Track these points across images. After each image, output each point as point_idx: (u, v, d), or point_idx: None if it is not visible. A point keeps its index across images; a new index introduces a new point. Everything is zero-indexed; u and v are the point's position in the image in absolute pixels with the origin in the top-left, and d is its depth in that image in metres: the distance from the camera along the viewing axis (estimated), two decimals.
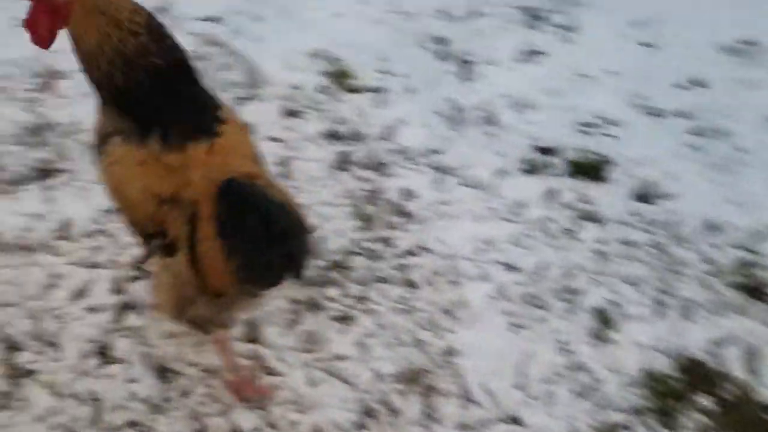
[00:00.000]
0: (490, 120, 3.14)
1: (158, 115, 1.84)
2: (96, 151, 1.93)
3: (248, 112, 2.96)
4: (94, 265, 2.49)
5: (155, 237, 1.90)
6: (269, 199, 1.78)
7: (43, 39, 1.84)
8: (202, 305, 1.97)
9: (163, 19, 2.89)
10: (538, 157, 3.01)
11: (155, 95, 1.84)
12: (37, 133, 2.72)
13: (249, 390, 2.25)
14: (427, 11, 3.57)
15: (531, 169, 2.95)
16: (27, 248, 2.46)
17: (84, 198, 2.60)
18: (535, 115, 3.16)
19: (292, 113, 3.02)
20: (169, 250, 1.89)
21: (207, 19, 3.26)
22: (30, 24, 1.84)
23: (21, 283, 2.39)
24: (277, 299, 2.47)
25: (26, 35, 1.85)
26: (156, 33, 1.86)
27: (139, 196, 1.87)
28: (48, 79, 2.87)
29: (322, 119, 3.05)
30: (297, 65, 3.18)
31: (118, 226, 2.56)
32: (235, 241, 1.77)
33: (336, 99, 3.13)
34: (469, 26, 3.55)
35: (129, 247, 2.54)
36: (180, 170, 1.83)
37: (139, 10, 1.85)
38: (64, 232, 2.53)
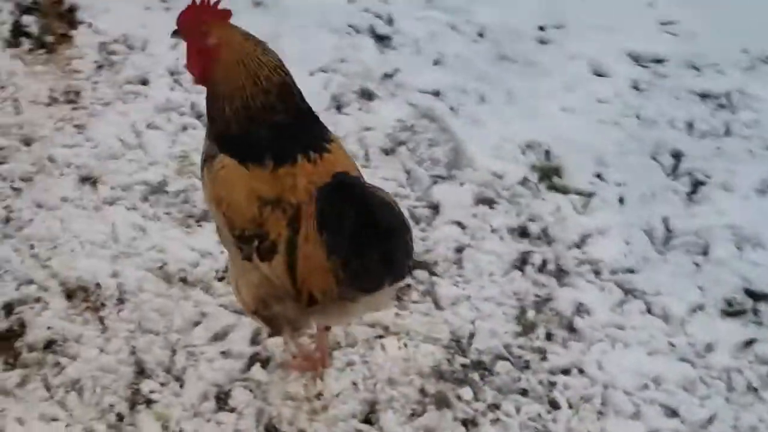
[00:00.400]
0: (702, 250, 3.12)
1: (265, 151, 2.20)
2: (202, 168, 2.36)
3: (441, 192, 3.25)
4: (240, 312, 2.88)
5: (253, 240, 2.22)
6: (376, 195, 2.05)
7: (198, 77, 2.29)
8: (289, 307, 2.27)
9: (377, 84, 3.33)
10: (746, 302, 2.94)
11: (267, 141, 2.21)
12: None
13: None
14: (669, 120, 3.63)
15: (733, 312, 2.90)
16: (186, 282, 2.92)
17: None
18: (758, 256, 3.09)
19: (485, 201, 3.23)
20: (267, 252, 2.20)
21: (429, 91, 3.62)
22: (188, 65, 2.30)
23: (169, 314, 2.82)
24: (405, 386, 2.66)
25: None
26: (286, 93, 2.25)
27: (242, 197, 2.22)
28: None
29: (514, 213, 3.22)
30: (506, 153, 3.39)
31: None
32: (337, 236, 2.02)
33: (536, 195, 3.29)
34: (712, 144, 3.54)
35: None
36: (285, 177, 2.18)
37: (280, 69, 2.26)
38: (224, 273, 2.96)
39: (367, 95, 3.58)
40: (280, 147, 2.20)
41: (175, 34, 2.33)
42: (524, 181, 3.34)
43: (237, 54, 2.22)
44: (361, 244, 2.01)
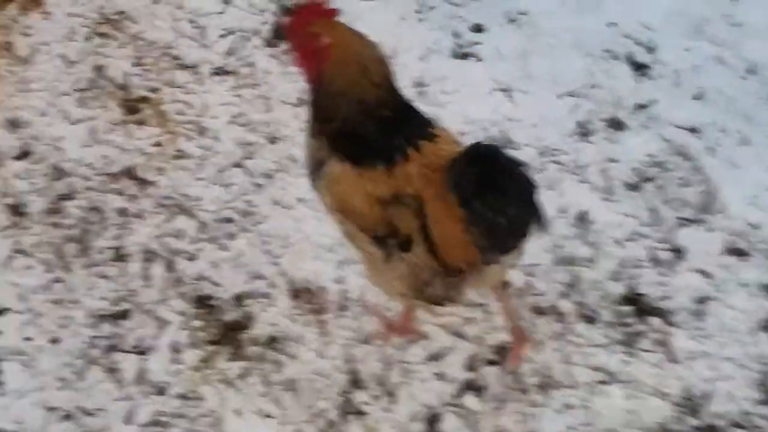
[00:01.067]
0: None
1: (377, 149, 2.27)
2: (312, 176, 2.42)
3: (687, 236, 3.02)
4: (460, 335, 2.80)
5: (388, 238, 2.30)
6: (510, 158, 2.13)
7: (313, 78, 2.32)
8: (438, 286, 2.36)
9: (629, 114, 3.18)
10: None
11: (378, 137, 2.27)
12: None
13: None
14: None
15: None
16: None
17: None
18: None
19: (735, 252, 2.97)
20: (404, 245, 2.29)
21: (685, 127, 3.37)
22: (301, 65, 2.36)
23: None
24: None
25: None
26: (392, 86, 2.31)
27: (364, 204, 2.29)
28: (500, 145, 3.31)
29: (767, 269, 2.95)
30: (764, 203, 3.09)
31: (498, 305, 2.85)
32: (475, 206, 2.12)
33: None
34: None
35: (500, 330, 2.81)
36: (397, 171, 2.25)
37: (385, 61, 2.30)
38: None
39: (616, 125, 3.39)
40: (390, 143, 2.27)
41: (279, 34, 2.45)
42: None
43: (349, 51, 2.26)
44: (492, 209, 2.12)
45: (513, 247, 2.28)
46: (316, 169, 2.38)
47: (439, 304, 2.48)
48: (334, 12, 2.35)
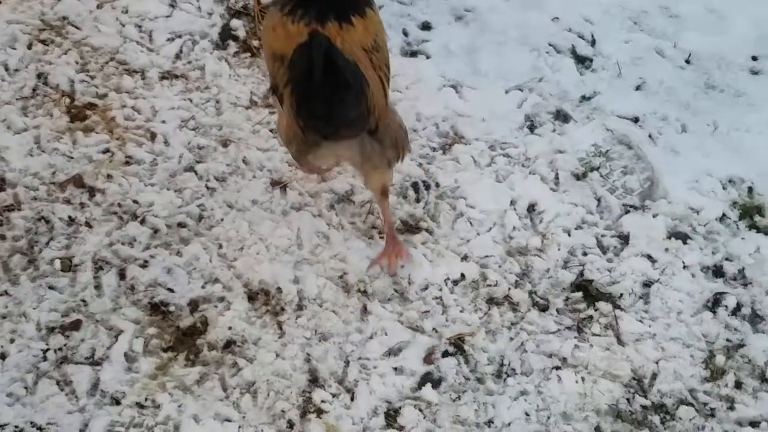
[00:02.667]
0: None
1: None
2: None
3: (631, 222, 3.10)
4: (418, 329, 2.84)
5: (275, 89, 2.66)
6: (338, 57, 2.32)
7: None
8: (295, 145, 2.73)
9: (574, 106, 3.21)
10: None
11: None
12: (417, 189, 3.20)
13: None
14: None
15: None
16: (365, 294, 2.90)
17: (436, 263, 2.98)
18: None
19: (678, 236, 3.06)
20: (280, 98, 2.62)
21: (628, 117, 3.45)
22: None
23: (346, 325, 2.84)
24: (579, 422, 2.54)
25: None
26: None
27: (268, 50, 2.70)
28: (450, 141, 3.35)
29: (709, 251, 3.04)
30: (705, 187, 3.20)
31: (454, 297, 2.90)
32: (295, 85, 2.41)
33: (735, 234, 3.09)
34: None
35: (457, 321, 2.85)
36: (298, 36, 2.48)
37: None
38: (401, 287, 2.93)
39: (562, 117, 3.46)
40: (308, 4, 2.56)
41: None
42: (723, 218, 3.16)
43: None
44: (306, 95, 2.42)
45: (326, 135, 2.56)
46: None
47: (300, 164, 2.96)
48: None
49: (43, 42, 3.57)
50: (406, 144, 2.84)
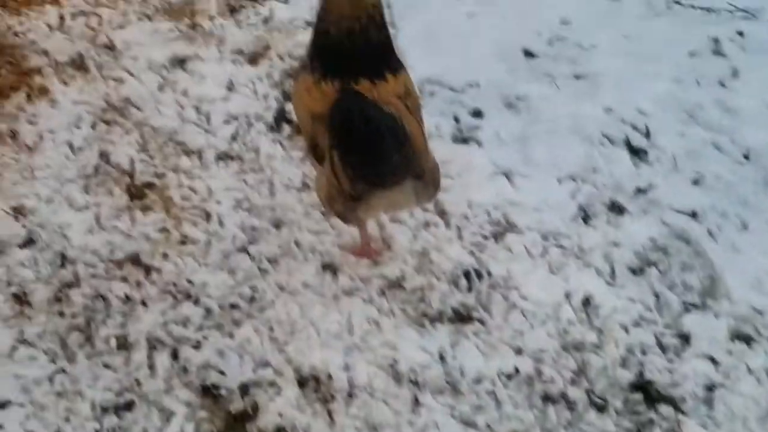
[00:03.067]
0: None
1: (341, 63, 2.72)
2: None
3: (692, 321, 3.03)
4: (470, 424, 2.76)
5: (315, 148, 2.79)
6: (373, 107, 2.51)
7: None
8: (339, 203, 2.80)
9: (629, 198, 3.20)
10: None
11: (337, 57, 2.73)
12: (469, 278, 3.17)
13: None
14: None
15: None
16: (416, 384, 2.85)
17: (489, 355, 2.93)
18: None
19: (741, 337, 2.97)
20: (320, 157, 2.75)
21: (685, 212, 3.40)
22: None
23: (397, 415, 2.78)
24: None
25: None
26: (375, 20, 2.72)
27: (303, 109, 2.83)
28: (502, 230, 3.33)
29: None
30: (767, 288, 3.12)
31: (508, 392, 2.84)
32: (342, 145, 2.57)
33: None
34: None
35: (512, 418, 2.78)
36: (329, 93, 2.68)
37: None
38: (453, 378, 2.88)
39: (617, 209, 3.42)
40: (341, 68, 2.72)
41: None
42: None
43: None
44: (350, 149, 2.57)
45: (376, 183, 2.67)
46: (295, 73, 3.03)
47: (344, 220, 2.98)
48: None
49: (106, 122, 3.68)
50: (440, 180, 2.96)
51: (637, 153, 3.67)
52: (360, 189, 2.68)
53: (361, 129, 2.49)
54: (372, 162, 2.58)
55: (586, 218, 3.40)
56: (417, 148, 2.68)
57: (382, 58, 2.80)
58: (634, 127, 3.77)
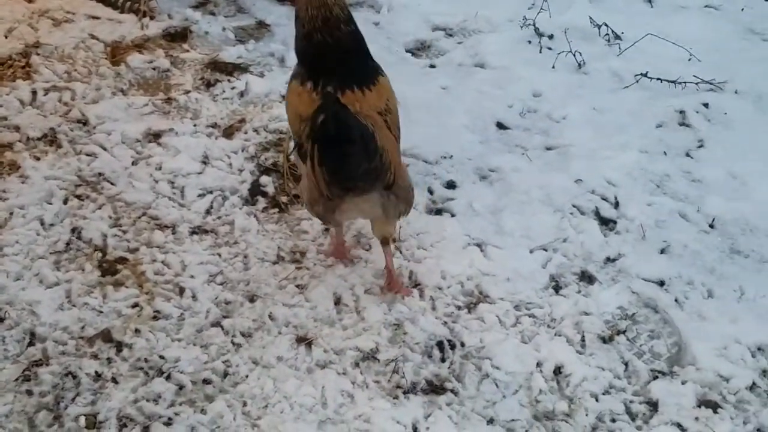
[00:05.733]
0: None
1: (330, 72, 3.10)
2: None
3: (660, 388, 3.15)
4: None
5: (299, 147, 3.12)
6: (350, 116, 2.80)
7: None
8: (320, 205, 3.13)
9: (599, 268, 3.56)
10: None
11: (321, 64, 3.11)
12: (442, 348, 3.29)
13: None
14: None
15: None
16: None
17: (461, 426, 3.01)
18: None
19: (708, 404, 3.09)
20: (303, 157, 3.03)
21: (653, 280, 3.55)
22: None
23: None
24: None
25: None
26: (332, 25, 3.09)
27: (293, 112, 3.17)
28: (475, 300, 3.47)
29: (740, 421, 3.05)
30: (733, 355, 3.24)
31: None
32: (319, 148, 2.84)
33: (765, 404, 3.10)
34: None
35: None
36: (316, 97, 3.06)
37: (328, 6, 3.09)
38: None
39: (587, 278, 3.59)
40: (327, 73, 3.10)
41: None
42: (753, 387, 3.18)
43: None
44: (327, 154, 2.86)
45: (348, 188, 3.00)
46: (289, 80, 3.28)
47: (324, 221, 3.34)
48: None
49: (78, 197, 3.80)
50: (412, 201, 3.31)
51: (606, 223, 3.85)
52: (334, 192, 3.00)
53: (336, 136, 2.79)
54: (342, 168, 2.90)
55: (557, 288, 3.55)
56: (389, 163, 3.01)
57: (358, 57, 3.22)
58: (604, 198, 3.96)
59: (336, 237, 3.59)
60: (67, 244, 3.59)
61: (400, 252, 3.65)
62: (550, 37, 5.20)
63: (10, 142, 4.07)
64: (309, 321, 3.36)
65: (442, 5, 5.50)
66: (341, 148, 2.82)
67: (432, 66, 5.00)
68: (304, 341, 3.28)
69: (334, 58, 3.12)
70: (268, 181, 3.94)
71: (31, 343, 3.20)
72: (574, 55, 4.93)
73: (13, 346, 3.19)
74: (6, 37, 4.78)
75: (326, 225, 3.47)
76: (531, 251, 3.70)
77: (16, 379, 3.08)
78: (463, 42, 5.22)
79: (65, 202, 3.77)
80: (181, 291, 3.44)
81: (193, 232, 3.70)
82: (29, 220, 3.68)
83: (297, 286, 3.48)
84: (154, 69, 4.69)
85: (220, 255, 3.61)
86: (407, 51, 5.13)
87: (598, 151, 4.23)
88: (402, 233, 3.72)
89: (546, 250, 3.70)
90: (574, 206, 3.92)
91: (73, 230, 3.64)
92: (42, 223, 3.66)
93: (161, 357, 3.19)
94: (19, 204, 3.74)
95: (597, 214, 3.89)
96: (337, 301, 3.45)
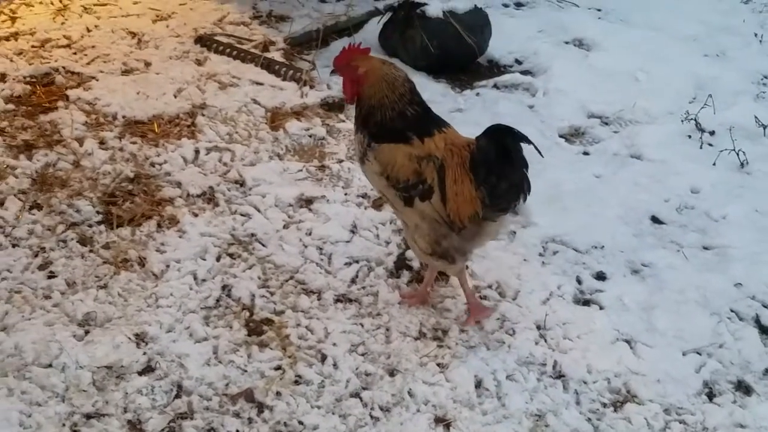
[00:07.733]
0: None
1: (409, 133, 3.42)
2: (361, 160, 3.52)
3: None
4: None
5: (416, 186, 3.37)
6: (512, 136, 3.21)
7: (350, 98, 3.55)
8: (451, 239, 3.42)
9: (757, 379, 3.38)
10: None
11: (409, 127, 3.41)
12: None
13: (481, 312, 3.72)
14: None
15: None
16: None
17: None
18: None
19: None
20: (427, 193, 3.36)
21: None
22: (344, 90, 3.60)
23: None
24: None
25: None
26: (414, 94, 3.45)
27: (404, 158, 3.37)
28: (622, 399, 3.38)
29: None
30: None
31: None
32: (485, 170, 3.29)
33: None
34: None
35: None
36: (428, 143, 3.38)
37: (407, 80, 3.45)
38: None
39: (744, 388, 3.44)
40: (419, 128, 3.41)
41: (332, 73, 3.55)
42: None
43: (380, 75, 3.42)
44: (502, 175, 3.29)
45: (507, 207, 3.40)
46: (363, 155, 3.48)
47: (453, 260, 3.51)
48: (367, 50, 3.53)
49: (231, 255, 3.92)
50: None
51: (766, 332, 3.70)
52: (488, 215, 3.37)
53: (517, 153, 3.24)
54: (521, 184, 3.33)
55: (710, 395, 3.42)
56: None
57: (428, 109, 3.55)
58: (765, 306, 3.81)
59: (429, 280, 3.79)
60: (217, 300, 3.69)
61: (545, 340, 3.60)
62: (712, 133, 5.11)
63: (171, 197, 4.24)
64: (448, 401, 3.33)
65: (599, 93, 5.50)
66: (521, 164, 3.28)
67: (586, 153, 4.99)
68: (443, 422, 3.25)
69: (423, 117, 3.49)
70: (413, 255, 3.97)
71: (177, 395, 3.27)
72: (737, 154, 4.82)
73: (161, 396, 3.27)
74: (175, 97, 5.03)
75: (448, 264, 3.55)
76: (684, 353, 3.58)
77: (162, 430, 3.15)
78: (620, 131, 5.20)
79: (218, 259, 3.89)
80: (323, 358, 3.47)
81: (337, 300, 3.75)
82: (184, 274, 3.80)
83: (438, 365, 3.46)
84: (310, 136, 4.84)
85: (362, 325, 3.64)
86: (560, 136, 5.13)
87: (760, 255, 4.09)
88: (548, 321, 3.67)
89: (700, 354, 3.58)
90: (732, 311, 3.79)
91: (223, 287, 3.75)
92: (195, 278, 3.78)
93: (300, 423, 3.20)
94: (176, 258, 3.88)
95: (757, 321, 3.75)
96: (478, 384, 3.40)
